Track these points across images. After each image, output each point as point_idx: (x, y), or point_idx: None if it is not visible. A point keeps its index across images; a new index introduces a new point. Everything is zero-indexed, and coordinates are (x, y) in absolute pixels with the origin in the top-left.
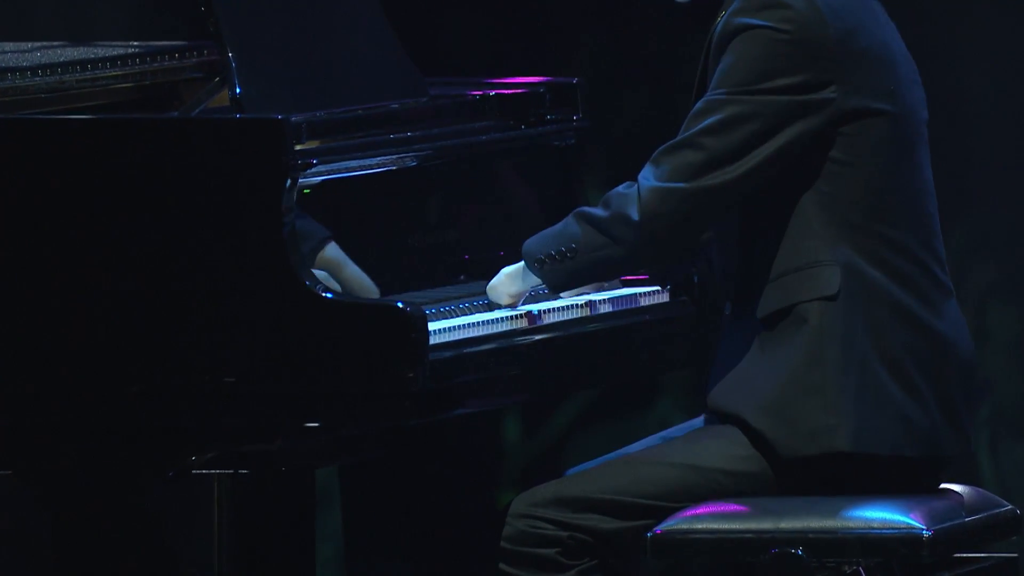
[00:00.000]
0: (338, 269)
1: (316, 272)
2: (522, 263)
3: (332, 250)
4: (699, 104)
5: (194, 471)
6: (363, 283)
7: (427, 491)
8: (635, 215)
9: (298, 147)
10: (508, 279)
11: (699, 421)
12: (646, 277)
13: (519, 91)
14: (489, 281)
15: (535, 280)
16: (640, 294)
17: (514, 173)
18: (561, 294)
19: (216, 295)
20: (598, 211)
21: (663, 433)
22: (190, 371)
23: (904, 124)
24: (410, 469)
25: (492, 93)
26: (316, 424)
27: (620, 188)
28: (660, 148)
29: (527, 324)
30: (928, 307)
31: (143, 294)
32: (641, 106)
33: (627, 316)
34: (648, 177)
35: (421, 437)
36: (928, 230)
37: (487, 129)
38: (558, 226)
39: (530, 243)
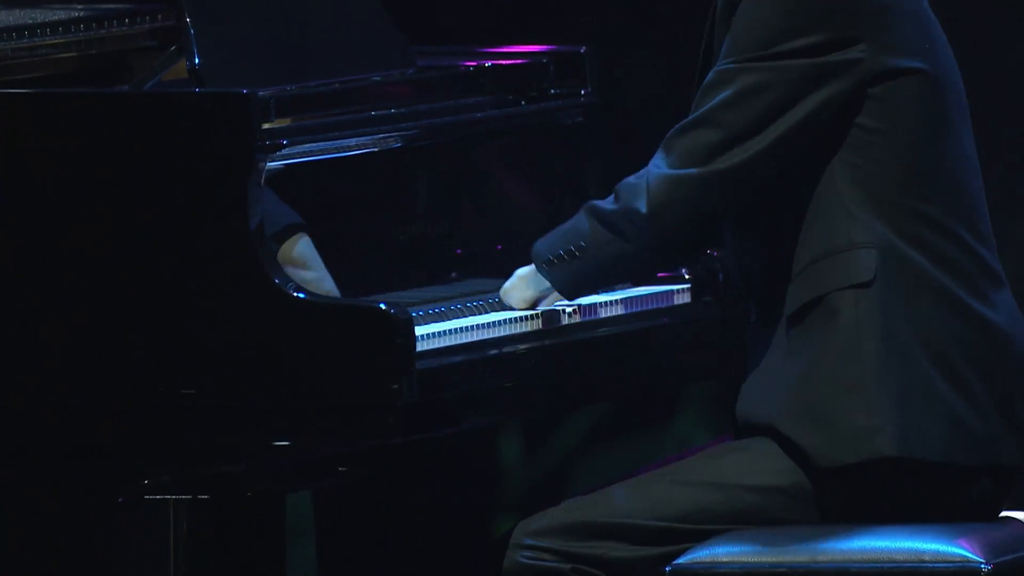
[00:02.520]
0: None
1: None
2: (534, 265)
3: (303, 247)
4: (709, 76)
5: (148, 496)
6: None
7: (414, 519)
8: (643, 207)
9: (266, 126)
10: (522, 283)
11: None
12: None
13: (519, 62)
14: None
15: (547, 283)
16: (658, 293)
17: (513, 155)
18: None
19: (172, 295)
20: (607, 204)
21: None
22: (143, 381)
23: (940, 87)
24: (394, 494)
25: (488, 64)
26: (287, 443)
27: (631, 178)
28: (672, 130)
29: (527, 328)
30: (978, 296)
31: (87, 294)
32: (657, 79)
33: (642, 318)
34: (659, 164)
35: (407, 457)
36: (973, 210)
37: (482, 105)
38: (568, 223)
39: (540, 243)
